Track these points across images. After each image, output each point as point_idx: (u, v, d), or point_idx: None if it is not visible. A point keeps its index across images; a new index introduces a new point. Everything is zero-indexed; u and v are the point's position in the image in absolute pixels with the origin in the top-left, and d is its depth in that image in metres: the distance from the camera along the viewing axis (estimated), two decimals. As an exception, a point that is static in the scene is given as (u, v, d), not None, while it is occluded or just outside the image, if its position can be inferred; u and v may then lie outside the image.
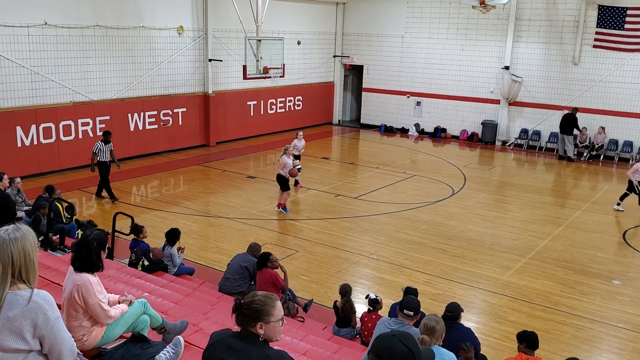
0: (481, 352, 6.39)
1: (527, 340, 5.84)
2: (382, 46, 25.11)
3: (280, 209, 13.63)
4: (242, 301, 3.19)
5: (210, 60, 20.02)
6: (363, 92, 26.33)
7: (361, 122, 26.60)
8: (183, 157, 19.14)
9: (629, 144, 20.64)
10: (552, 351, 7.79)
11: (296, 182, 15.68)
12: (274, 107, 23.46)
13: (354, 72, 27.17)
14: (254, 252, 8.55)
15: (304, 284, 9.76)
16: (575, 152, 20.90)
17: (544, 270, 10.81)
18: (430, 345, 4.55)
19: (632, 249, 12.09)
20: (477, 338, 6.37)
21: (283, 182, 13.52)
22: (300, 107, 24.74)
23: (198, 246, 11.45)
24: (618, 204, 14.66)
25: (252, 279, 8.33)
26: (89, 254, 4.52)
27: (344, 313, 7.52)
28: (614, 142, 20.88)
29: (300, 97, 24.63)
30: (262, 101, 22.82)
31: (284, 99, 23.85)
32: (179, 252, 9.19)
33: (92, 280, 4.54)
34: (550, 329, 8.58)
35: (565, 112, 20.98)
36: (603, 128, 20.78)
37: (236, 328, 3.26)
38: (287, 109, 24.12)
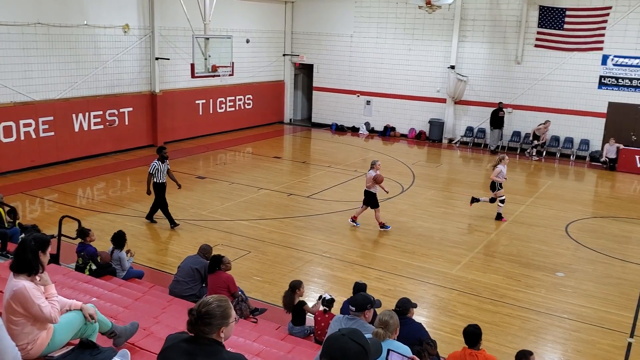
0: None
1: (467, 337, 5.93)
2: (331, 45, 25.23)
3: (382, 227, 12.63)
4: (199, 311, 3.16)
5: (157, 58, 19.66)
6: (314, 91, 26.40)
7: (312, 121, 26.66)
8: (130, 157, 18.72)
9: (569, 140, 21.41)
10: (501, 343, 8.02)
11: (499, 216, 13.82)
12: (223, 105, 23.23)
13: (304, 71, 27.20)
14: (205, 254, 8.45)
15: (256, 284, 9.71)
16: (533, 152, 21.49)
17: (490, 264, 11.11)
18: (384, 338, 4.65)
19: (574, 242, 12.56)
20: (428, 332, 6.48)
21: (372, 199, 12.65)
22: (250, 106, 24.59)
23: (147, 249, 11.24)
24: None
25: (204, 281, 8.24)
26: (25, 254, 4.37)
27: (285, 305, 7.54)
28: (556, 139, 21.63)
29: (250, 96, 24.48)
30: (211, 100, 22.57)
31: (233, 98, 23.65)
32: (128, 255, 9.00)
33: (28, 285, 4.37)
34: (498, 321, 8.83)
35: (494, 108, 21.77)
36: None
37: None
38: (237, 108, 23.93)
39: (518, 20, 21.50)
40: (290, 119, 27.31)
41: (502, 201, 13.78)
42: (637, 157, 19.44)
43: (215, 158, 19.67)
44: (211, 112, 22.68)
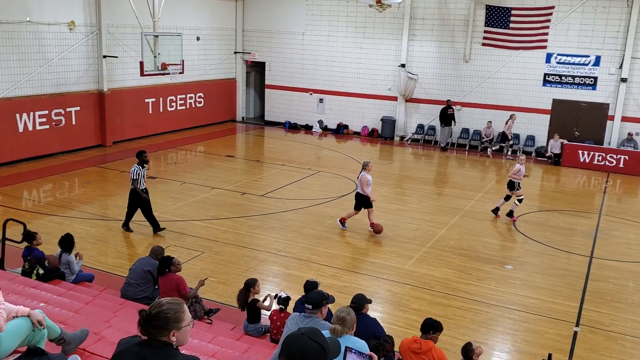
0: (388, 334, 6.61)
1: (422, 325, 6.13)
2: (283, 43, 25.19)
3: (372, 228, 12.46)
4: (149, 312, 3.10)
5: (104, 56, 19.18)
6: (266, 89, 26.29)
7: (265, 119, 26.55)
8: (78, 158, 18.22)
9: (516, 137, 22.02)
10: (453, 336, 8.18)
11: (511, 213, 13.90)
12: (174, 104, 22.87)
13: (256, 69, 27.06)
14: (157, 256, 8.31)
15: (211, 285, 9.62)
16: (496, 148, 21.92)
17: (442, 258, 11.33)
18: (341, 334, 4.70)
19: (522, 235, 12.95)
20: (382, 327, 6.57)
21: (365, 201, 12.41)
22: (201, 104, 24.30)
23: (97, 251, 10.97)
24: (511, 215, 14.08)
25: (156, 282, 8.11)
26: None
27: (239, 303, 7.51)
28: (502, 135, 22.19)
29: (201, 94, 24.19)
30: (161, 98, 22.18)
31: (184, 96, 23.31)
32: (77, 258, 8.77)
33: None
34: (450, 314, 9.02)
35: (443, 106, 22.19)
36: (490, 122, 22.01)
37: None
38: (188, 106, 23.60)
39: (466, 20, 21.97)
40: (243, 117, 27.13)
41: (520, 200, 13.88)
42: (580, 152, 20.19)
43: (166, 157, 19.36)
44: (161, 110, 22.30)
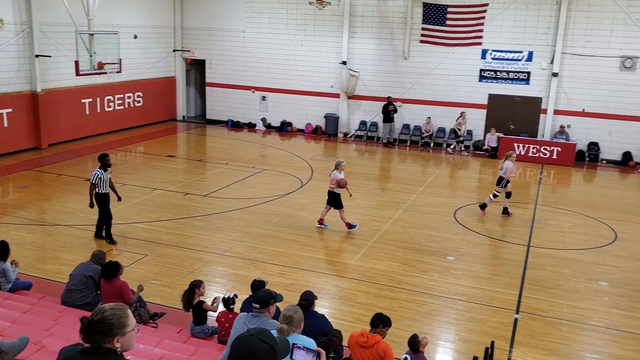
0: (336, 329, 6.68)
1: (371, 320, 6.20)
2: (223, 41, 24.93)
3: (349, 228, 12.49)
4: (91, 319, 3.02)
5: (37, 56, 18.45)
6: (207, 87, 25.95)
7: (207, 117, 26.21)
8: (11, 162, 17.48)
9: (454, 132, 22.56)
10: (399, 328, 8.33)
11: (505, 210, 14.13)
12: (112, 104, 22.27)
13: (196, 67, 26.66)
14: (98, 260, 8.10)
15: (155, 288, 9.45)
16: (461, 148, 22.40)
17: (387, 252, 11.52)
18: (288, 333, 4.70)
19: (462, 227, 13.31)
20: (330, 323, 6.64)
21: (336, 200, 12.40)
22: (141, 104, 23.75)
23: (35, 258, 10.57)
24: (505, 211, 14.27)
25: (98, 288, 7.90)
26: None
27: (184, 304, 7.43)
28: (442, 130, 22.75)
29: (140, 93, 23.64)
30: (98, 98, 21.55)
31: (122, 96, 22.72)
32: (13, 266, 8.43)
33: None
34: (396, 307, 9.19)
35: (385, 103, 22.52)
36: (429, 118, 22.50)
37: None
38: (126, 106, 23.03)
39: (404, 17, 22.35)
40: (184, 116, 26.70)
41: (495, 195, 14.08)
42: (515, 144, 20.91)
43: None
44: (99, 111, 21.66)
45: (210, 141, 23.40)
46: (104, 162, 11.26)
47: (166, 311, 8.39)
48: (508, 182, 13.95)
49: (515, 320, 8.97)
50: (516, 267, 11.07)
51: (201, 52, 25.46)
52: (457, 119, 21.74)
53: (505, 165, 13.88)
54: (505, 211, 14.22)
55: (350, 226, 12.54)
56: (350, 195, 12.88)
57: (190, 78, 26.92)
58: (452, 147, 22.13)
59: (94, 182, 11.11)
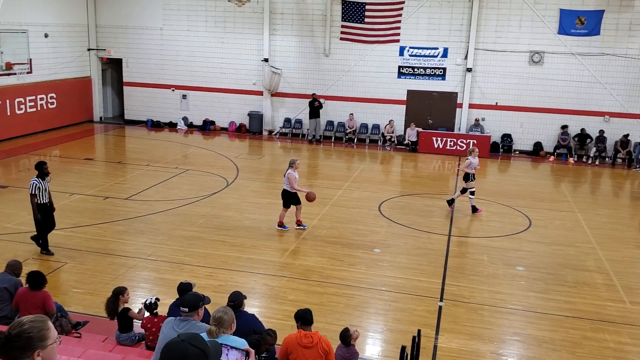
0: (269, 328, 6.66)
1: (302, 319, 6.23)
2: (140, 39, 24.25)
3: (298, 226, 12.61)
4: (9, 333, 2.87)
5: None
6: (124, 87, 25.16)
7: (125, 118, 25.42)
8: None
9: (377, 127, 23.07)
10: (330, 322, 8.45)
11: (474, 209, 14.21)
12: (22, 106, 21.14)
13: (113, 66, 25.78)
14: (14, 271, 7.69)
15: (76, 297, 9.09)
16: (389, 148, 22.64)
17: (315, 248, 11.62)
18: (218, 335, 4.66)
19: (387, 219, 13.62)
20: (261, 322, 6.63)
21: (292, 198, 12.35)
22: (54, 105, 22.70)
23: (-58, 272, 9.89)
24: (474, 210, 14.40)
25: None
26: None
27: (107, 312, 7.23)
28: (365, 126, 23.17)
29: (53, 94, 22.58)
30: (7, 101, 20.39)
31: (34, 97, 21.62)
32: None
33: None
34: (326, 301, 9.30)
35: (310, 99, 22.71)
36: (352, 114, 22.85)
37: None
38: (39, 108, 21.93)
39: (323, 14, 22.55)
40: (101, 117, 25.76)
41: (472, 193, 14.18)
42: (434, 138, 21.63)
43: (17, 164, 17.88)
44: (9, 114, 20.51)
45: (130, 142, 22.71)
46: (42, 171, 10.66)
47: (89, 319, 8.09)
48: (474, 176, 14.23)
49: (440, 307, 9.29)
50: (439, 256, 11.46)
51: (118, 51, 24.64)
52: (386, 126, 22.33)
53: (470, 161, 14.07)
54: (451, 202, 14.43)
55: (300, 224, 12.63)
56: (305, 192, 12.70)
57: (107, 78, 26.01)
58: (387, 148, 22.41)
59: (33, 192, 10.51)
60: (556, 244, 12.42)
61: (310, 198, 12.26)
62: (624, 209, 15.76)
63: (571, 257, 11.67)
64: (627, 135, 20.65)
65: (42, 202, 10.61)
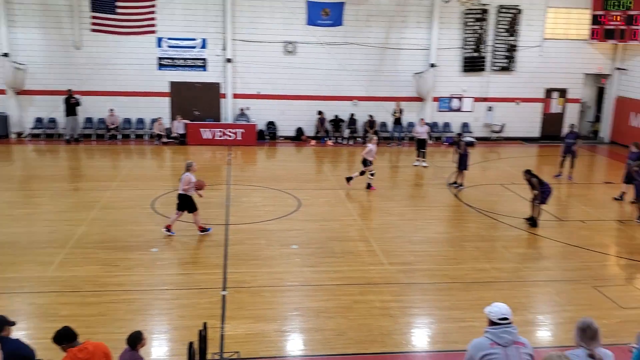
0: (38, 358, 6.08)
1: (64, 338, 5.69)
2: None
3: (202, 232, 12.13)
4: None
5: None
6: None
7: None
8: None
9: (141, 121, 22.30)
10: (110, 331, 8.02)
11: (369, 186, 15.94)
12: None
13: None
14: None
15: None
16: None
17: (86, 256, 10.90)
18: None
19: (161, 216, 13.33)
20: (29, 346, 6.02)
21: (188, 202, 11.86)
22: None
23: None
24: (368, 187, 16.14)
25: None
26: None
27: None
28: (128, 121, 22.23)
29: None
30: None
31: None
32: None
33: None
34: (104, 311, 8.81)
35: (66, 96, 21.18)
36: (112, 110, 21.73)
37: None
38: None
39: (70, 5, 20.93)
40: None
41: (372, 174, 15.92)
42: (201, 130, 21.68)
43: None
44: None
45: None
46: None
47: None
48: (371, 162, 15.81)
49: (223, 296, 9.46)
50: (218, 246, 11.62)
51: None
52: (154, 123, 21.86)
53: (370, 148, 15.71)
54: (349, 179, 16.07)
55: (203, 230, 12.17)
56: (201, 197, 12.36)
57: None
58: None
59: None
60: (323, 219, 13.46)
61: (199, 186, 12.06)
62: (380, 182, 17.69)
63: (337, 230, 12.76)
64: (372, 116, 23.07)
65: None
